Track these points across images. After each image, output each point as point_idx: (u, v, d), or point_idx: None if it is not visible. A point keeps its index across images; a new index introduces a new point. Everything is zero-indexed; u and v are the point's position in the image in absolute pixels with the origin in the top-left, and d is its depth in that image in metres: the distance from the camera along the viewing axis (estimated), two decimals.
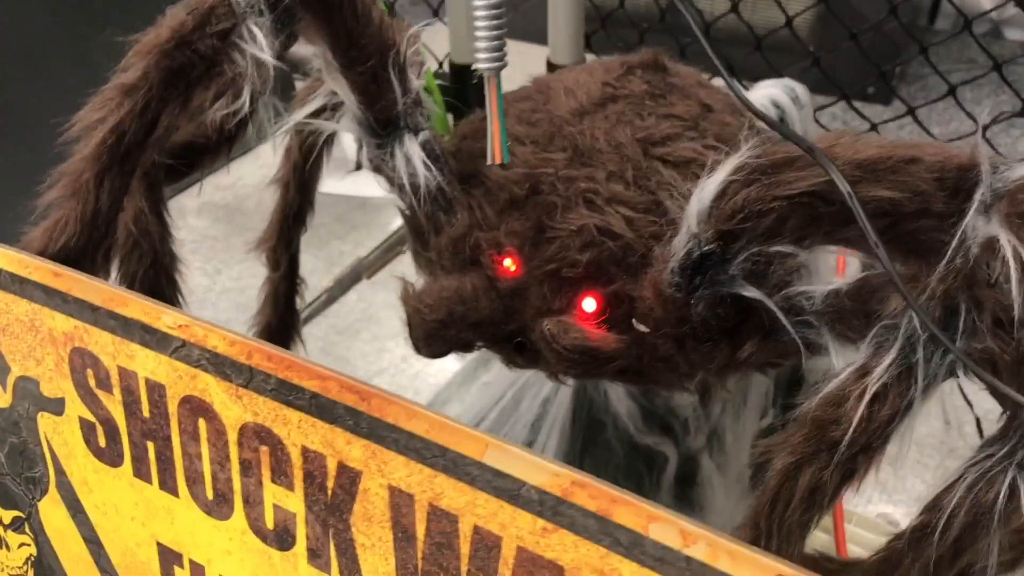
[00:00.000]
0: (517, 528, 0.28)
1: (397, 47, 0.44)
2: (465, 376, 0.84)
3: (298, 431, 0.32)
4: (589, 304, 0.43)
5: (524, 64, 1.18)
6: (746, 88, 1.06)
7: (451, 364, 0.92)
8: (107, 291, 0.35)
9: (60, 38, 1.02)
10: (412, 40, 0.45)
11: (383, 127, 0.44)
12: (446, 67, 1.26)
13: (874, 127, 1.02)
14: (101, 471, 0.39)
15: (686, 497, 0.63)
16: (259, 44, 0.39)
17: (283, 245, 0.60)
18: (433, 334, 0.44)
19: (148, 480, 0.37)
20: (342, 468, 0.31)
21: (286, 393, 0.32)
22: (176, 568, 0.38)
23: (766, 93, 0.75)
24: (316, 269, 1.07)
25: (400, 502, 0.30)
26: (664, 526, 0.25)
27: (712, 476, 0.63)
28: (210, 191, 1.22)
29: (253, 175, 1.25)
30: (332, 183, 1.21)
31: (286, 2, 0.41)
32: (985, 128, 0.97)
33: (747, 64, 1.05)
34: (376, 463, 0.30)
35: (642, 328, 0.42)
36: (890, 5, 0.92)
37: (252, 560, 0.35)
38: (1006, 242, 0.31)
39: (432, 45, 1.30)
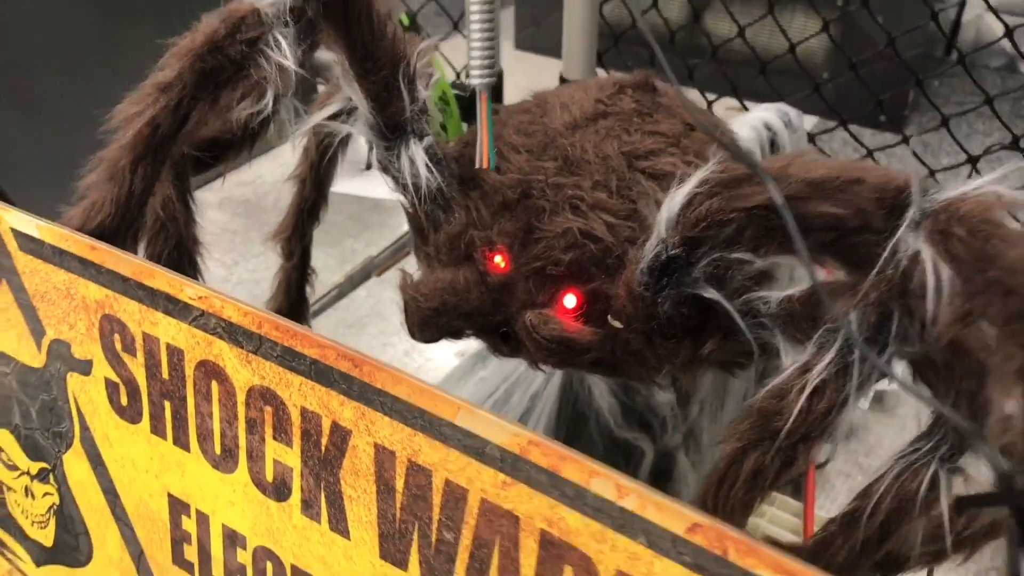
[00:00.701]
0: (481, 482, 0.32)
1: (408, 59, 0.48)
2: (463, 371, 0.89)
3: (299, 393, 0.36)
4: (569, 300, 0.47)
5: (542, 76, 1.23)
6: (746, 109, 1.10)
7: (451, 359, 0.96)
8: (137, 264, 0.40)
9: (96, 34, 1.07)
10: (422, 54, 0.49)
11: (391, 132, 0.49)
12: (464, 78, 1.31)
13: (870, 154, 1.06)
14: (121, 427, 0.43)
15: (662, 490, 0.67)
16: (283, 52, 0.44)
17: (297, 236, 0.64)
18: (427, 321, 0.49)
19: (163, 436, 0.41)
20: (335, 427, 0.35)
21: (290, 359, 0.36)
22: (184, 517, 0.42)
23: (760, 116, 0.80)
24: (328, 265, 1.12)
25: (383, 458, 0.34)
26: (603, 480, 0.29)
27: (687, 473, 0.67)
28: (231, 186, 1.27)
29: (272, 173, 1.30)
30: (348, 184, 1.26)
31: (309, 14, 0.45)
32: (976, 159, 1.01)
33: (763, 86, 1.08)
34: (365, 423, 0.35)
35: (616, 324, 0.46)
36: (888, 38, 0.96)
37: (252, 510, 0.40)
38: (927, 255, 0.35)
39: (452, 57, 1.35)
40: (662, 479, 0.67)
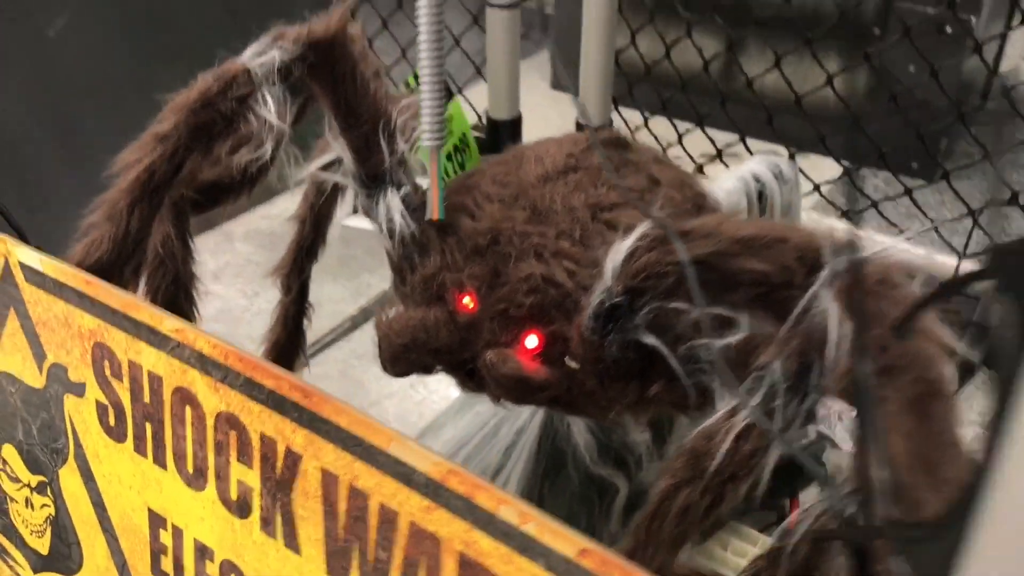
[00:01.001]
0: (410, 506, 0.35)
1: (388, 116, 0.52)
2: (462, 404, 0.92)
3: (258, 420, 0.40)
4: (531, 341, 0.51)
5: (575, 116, 1.27)
6: (751, 154, 1.12)
7: (453, 392, 0.99)
8: (125, 298, 0.44)
9: (134, 70, 1.14)
10: (403, 111, 0.53)
11: (372, 181, 0.53)
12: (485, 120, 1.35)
13: (874, 204, 1.08)
14: (109, 446, 0.47)
15: None
16: (269, 108, 0.48)
17: (296, 273, 0.68)
18: (398, 356, 0.52)
19: (144, 455, 0.45)
20: (288, 452, 0.39)
21: (250, 389, 0.40)
22: (161, 531, 0.46)
23: (749, 167, 0.82)
24: (343, 298, 1.16)
25: (329, 481, 0.38)
26: (509, 508, 0.32)
27: None
28: (257, 219, 1.32)
29: None
30: (366, 219, 1.31)
31: (296, 74, 0.50)
32: (978, 213, 1.02)
33: (797, 130, 1.09)
34: (313, 449, 0.38)
35: (573, 364, 0.50)
36: (890, 95, 0.99)
37: (219, 526, 0.43)
38: (832, 311, 0.38)
39: (475, 100, 1.40)
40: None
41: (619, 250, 0.45)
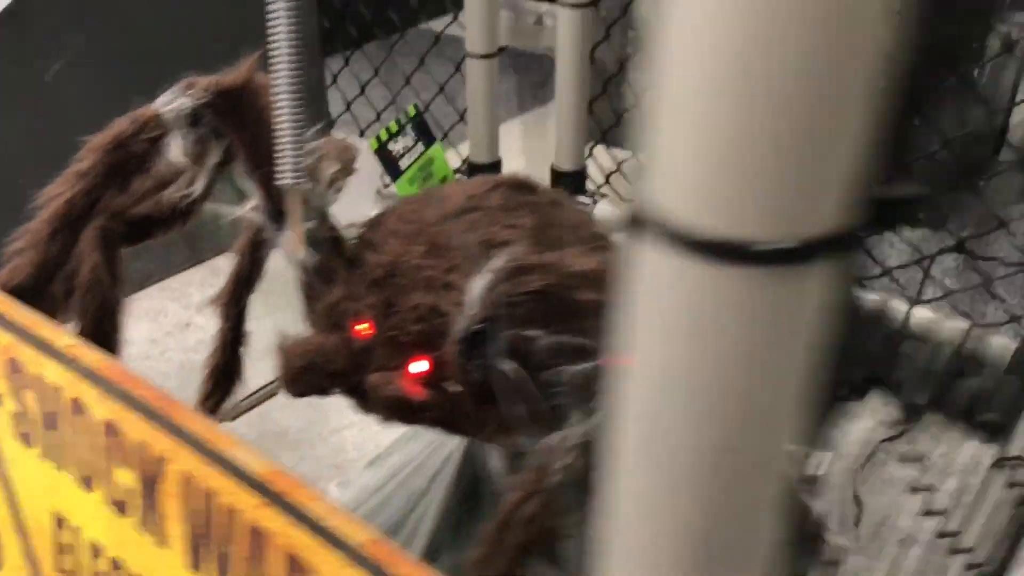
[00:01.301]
0: (247, 504, 0.39)
1: None
2: (414, 432, 0.96)
3: (136, 428, 0.44)
4: (416, 366, 0.55)
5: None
6: None
7: None
8: (31, 317, 0.49)
9: (123, 113, 1.21)
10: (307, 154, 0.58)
11: (279, 216, 0.57)
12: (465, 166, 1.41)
13: None
14: (23, 452, 0.52)
15: None
16: (175, 149, 0.53)
17: (233, 302, 0.73)
18: (296, 378, 0.57)
19: (49, 460, 0.50)
20: (159, 457, 0.43)
21: (128, 400, 0.44)
22: (63, 531, 0.51)
23: None
24: None
25: (187, 483, 0.42)
26: (319, 503, 0.36)
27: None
28: None
29: None
30: None
31: (205, 119, 0.55)
32: (927, 260, 1.04)
33: None
34: (175, 454, 0.42)
35: (455, 388, 0.54)
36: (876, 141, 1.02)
37: (106, 525, 0.48)
38: None
39: (462, 147, 1.45)
40: None
41: (480, 280, 0.49)
